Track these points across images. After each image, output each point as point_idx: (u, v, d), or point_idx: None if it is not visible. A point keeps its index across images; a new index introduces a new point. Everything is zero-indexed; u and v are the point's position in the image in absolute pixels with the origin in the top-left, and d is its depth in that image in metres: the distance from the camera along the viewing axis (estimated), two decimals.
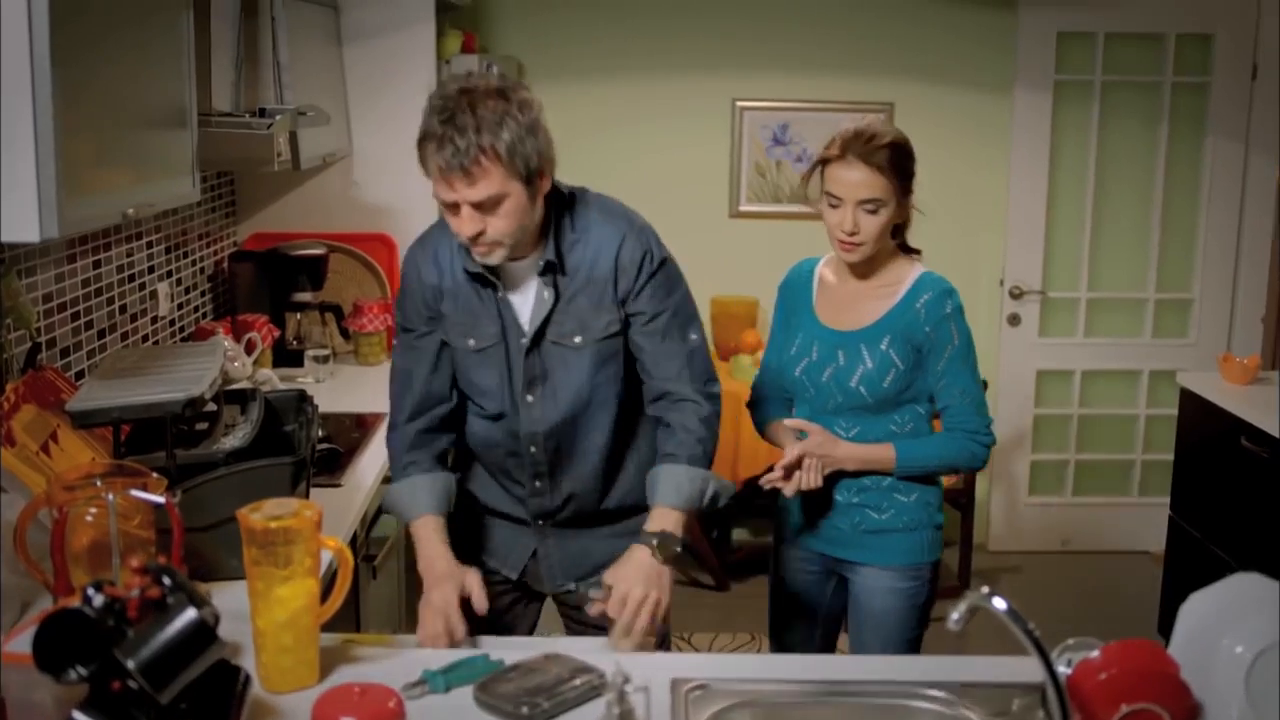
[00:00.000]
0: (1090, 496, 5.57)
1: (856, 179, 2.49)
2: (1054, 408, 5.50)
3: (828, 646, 2.83)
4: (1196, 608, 1.83)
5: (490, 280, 2.30)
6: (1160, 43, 5.21)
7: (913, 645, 2.65)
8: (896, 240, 2.63)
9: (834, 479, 2.60)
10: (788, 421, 2.64)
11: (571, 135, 5.40)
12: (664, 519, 2.24)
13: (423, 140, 2.12)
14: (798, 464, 2.53)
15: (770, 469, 2.57)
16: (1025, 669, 1.90)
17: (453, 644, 2.17)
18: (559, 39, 5.16)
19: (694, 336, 2.38)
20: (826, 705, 1.97)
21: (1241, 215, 5.30)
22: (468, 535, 2.48)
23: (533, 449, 2.38)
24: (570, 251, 2.30)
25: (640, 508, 2.34)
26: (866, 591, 2.65)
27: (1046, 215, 5.31)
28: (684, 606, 4.82)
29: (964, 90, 5.23)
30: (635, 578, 2.18)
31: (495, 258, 2.21)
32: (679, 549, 2.21)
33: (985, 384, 4.44)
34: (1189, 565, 4.31)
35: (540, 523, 2.46)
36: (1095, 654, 1.77)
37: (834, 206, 2.53)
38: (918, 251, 2.68)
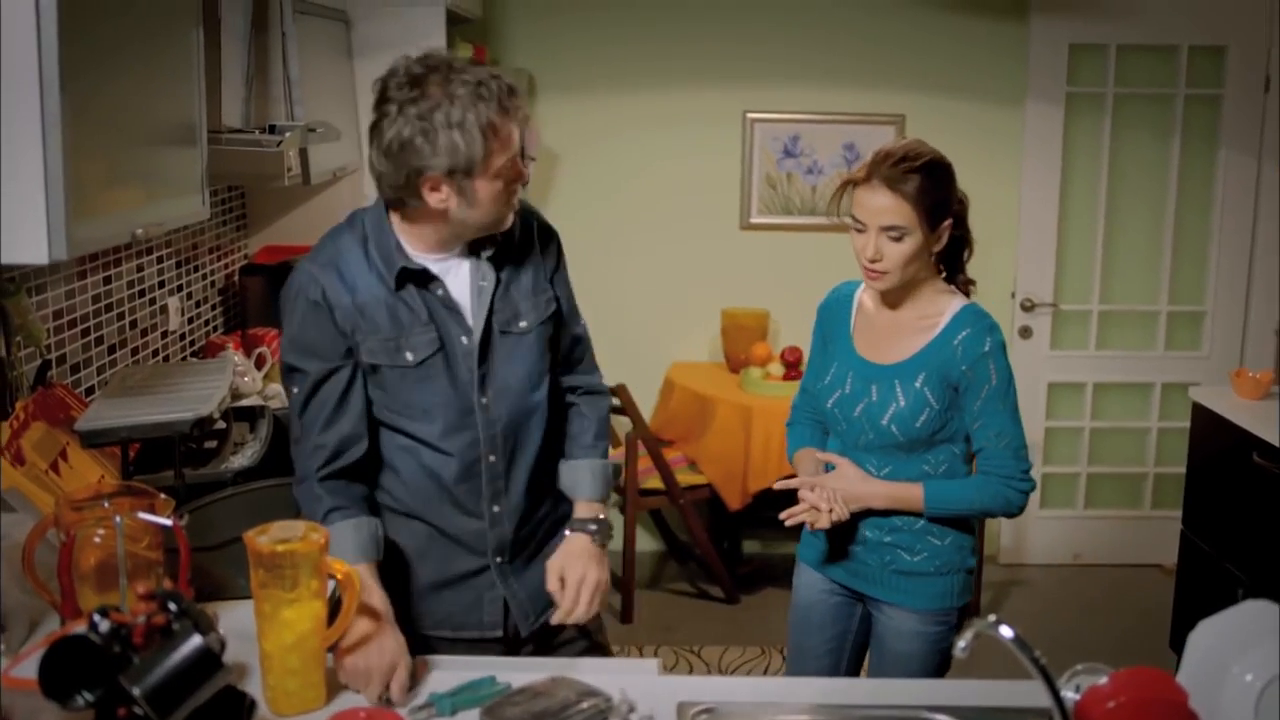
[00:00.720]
0: (1102, 509, 5.56)
1: (879, 205, 2.38)
2: (1065, 420, 5.48)
3: (853, 676, 2.72)
4: (1206, 635, 1.82)
5: (431, 275, 2.17)
6: (1173, 55, 5.20)
7: None
8: (938, 265, 2.53)
9: (864, 515, 2.51)
10: (820, 455, 2.58)
11: (582, 147, 5.47)
12: (592, 509, 2.35)
13: (492, 116, 2.01)
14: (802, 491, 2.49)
15: (775, 485, 2.55)
16: (1034, 694, 1.89)
17: (386, 698, 2.00)
18: (570, 51, 5.17)
19: (583, 322, 2.43)
20: None
21: (1254, 228, 5.28)
22: (429, 618, 2.30)
23: (492, 457, 2.23)
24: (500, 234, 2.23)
25: (564, 518, 2.37)
26: (891, 632, 2.56)
27: (1058, 227, 5.30)
28: (693, 619, 4.82)
29: (975, 102, 5.22)
30: (585, 563, 2.26)
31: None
32: (611, 533, 2.36)
33: None
34: (1201, 581, 4.29)
35: (499, 560, 2.29)
36: (1104, 680, 1.76)
37: (858, 231, 2.44)
38: (972, 282, 2.57)
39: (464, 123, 2.00)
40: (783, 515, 2.50)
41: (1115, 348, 5.43)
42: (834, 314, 2.65)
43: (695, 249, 5.33)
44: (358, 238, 2.22)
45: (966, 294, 2.56)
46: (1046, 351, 5.39)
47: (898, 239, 2.39)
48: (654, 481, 4.81)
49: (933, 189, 2.39)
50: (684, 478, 4.89)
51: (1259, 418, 3.99)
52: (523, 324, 2.24)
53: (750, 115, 5.25)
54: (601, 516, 2.33)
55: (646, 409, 5.10)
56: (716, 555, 5.04)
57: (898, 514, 2.51)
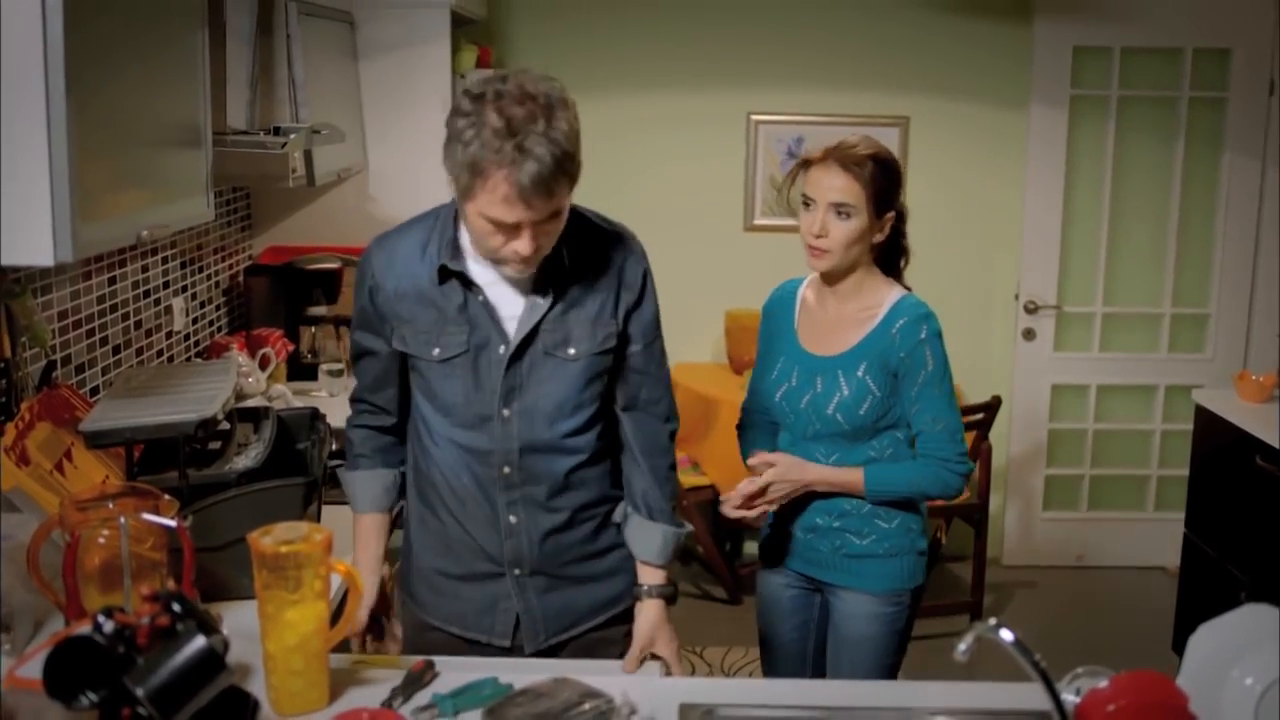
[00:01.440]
0: (1105, 511, 5.56)
1: (832, 182, 2.49)
2: (1069, 422, 5.49)
3: (820, 663, 2.77)
4: (1206, 639, 1.83)
5: (470, 281, 2.17)
6: (1177, 57, 5.19)
7: (890, 671, 2.63)
8: (874, 256, 2.60)
9: (811, 500, 2.60)
10: (753, 461, 2.62)
11: (587, 149, 5.39)
12: (656, 574, 2.36)
13: (485, 163, 1.93)
14: (761, 493, 2.57)
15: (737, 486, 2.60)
16: (1034, 696, 1.89)
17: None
18: (574, 53, 5.17)
19: (665, 366, 2.38)
20: None
21: (1258, 230, 5.28)
22: (443, 610, 2.34)
23: (506, 469, 2.22)
24: (573, 255, 2.18)
25: (607, 549, 2.35)
26: (847, 616, 2.63)
27: (1062, 230, 5.30)
28: (696, 620, 4.82)
29: (979, 105, 5.23)
30: (669, 631, 2.34)
31: (532, 269, 2.11)
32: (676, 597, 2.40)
33: (992, 397, 4.44)
34: (1203, 583, 4.29)
35: (516, 572, 2.28)
36: (1104, 683, 1.77)
37: (807, 207, 2.54)
38: (908, 289, 2.64)
39: (468, 146, 1.95)
40: (724, 509, 2.61)
41: (1119, 350, 5.43)
42: (778, 312, 2.74)
43: (699, 250, 5.33)
44: (427, 225, 2.23)
45: None
46: (1050, 353, 5.39)
47: (845, 217, 2.50)
48: None
49: (882, 177, 2.51)
50: (687, 479, 4.90)
51: (1261, 420, 4.00)
52: (571, 350, 2.19)
53: (754, 117, 5.25)
54: (665, 582, 2.36)
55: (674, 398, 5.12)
56: (719, 556, 5.06)
57: (846, 499, 2.58)
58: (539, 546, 2.27)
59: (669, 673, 2.29)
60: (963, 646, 1.71)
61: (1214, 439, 4.25)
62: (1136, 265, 5.37)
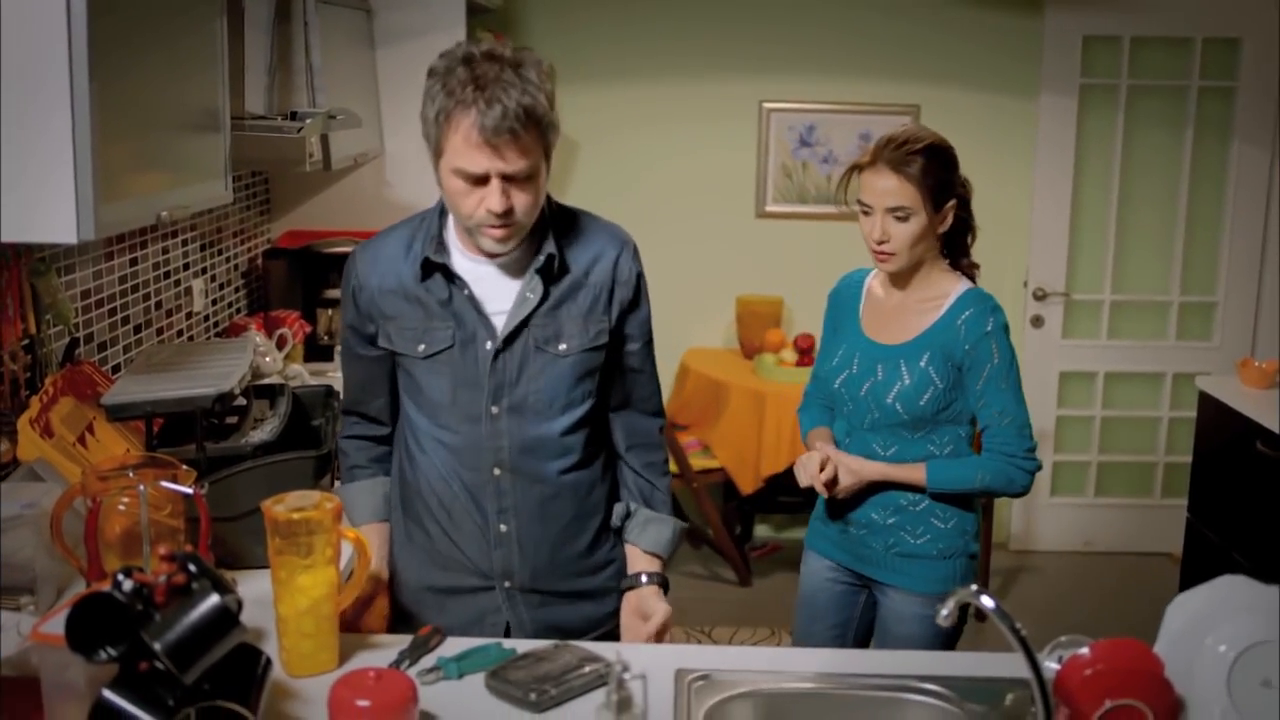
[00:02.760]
0: (1112, 498, 5.60)
1: (885, 187, 2.47)
2: (1076, 409, 5.53)
3: None
4: (1183, 607, 1.87)
5: (453, 274, 2.15)
6: (1187, 47, 5.22)
7: None
8: (942, 249, 2.59)
9: (868, 495, 2.58)
10: (832, 450, 2.60)
11: (600, 136, 5.52)
12: (654, 564, 2.33)
13: (452, 109, 1.95)
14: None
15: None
16: (1020, 665, 1.95)
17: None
18: (588, 41, 5.23)
19: (653, 363, 2.37)
20: (825, 697, 2.03)
21: (1266, 218, 5.31)
22: (425, 622, 2.25)
23: (496, 471, 2.19)
24: (568, 250, 2.17)
25: (601, 566, 2.32)
26: (894, 615, 2.61)
27: (1071, 217, 5.34)
28: (706, 601, 4.88)
29: (989, 93, 5.26)
30: (667, 608, 2.27)
31: (512, 243, 2.08)
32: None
33: None
34: (1206, 568, 4.31)
35: (507, 585, 2.25)
36: (1084, 651, 1.82)
37: (865, 214, 2.52)
38: (976, 265, 2.64)
39: (434, 100, 1.99)
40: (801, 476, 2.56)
41: (1127, 337, 5.47)
42: (844, 300, 2.72)
43: (711, 237, 5.38)
44: (412, 225, 2.22)
45: (971, 278, 2.63)
46: (1058, 340, 5.43)
47: (904, 219, 2.47)
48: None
49: (936, 170, 2.48)
50: (698, 462, 4.96)
51: (1263, 406, 4.03)
52: (562, 346, 2.16)
53: (766, 105, 5.30)
54: (660, 571, 2.33)
55: (662, 394, 5.18)
56: (729, 538, 5.12)
57: (901, 489, 2.55)
58: (532, 557, 2.24)
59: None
60: (945, 611, 1.77)
61: (1217, 425, 4.29)
62: (1145, 253, 5.41)
